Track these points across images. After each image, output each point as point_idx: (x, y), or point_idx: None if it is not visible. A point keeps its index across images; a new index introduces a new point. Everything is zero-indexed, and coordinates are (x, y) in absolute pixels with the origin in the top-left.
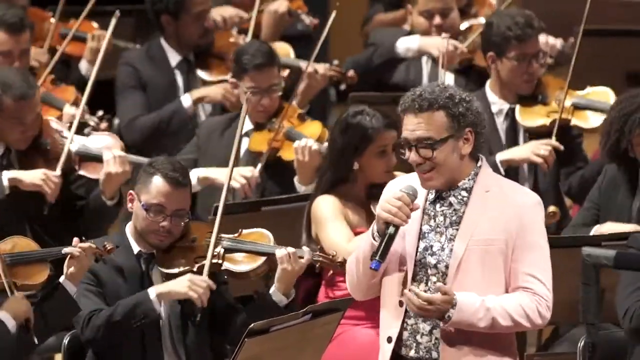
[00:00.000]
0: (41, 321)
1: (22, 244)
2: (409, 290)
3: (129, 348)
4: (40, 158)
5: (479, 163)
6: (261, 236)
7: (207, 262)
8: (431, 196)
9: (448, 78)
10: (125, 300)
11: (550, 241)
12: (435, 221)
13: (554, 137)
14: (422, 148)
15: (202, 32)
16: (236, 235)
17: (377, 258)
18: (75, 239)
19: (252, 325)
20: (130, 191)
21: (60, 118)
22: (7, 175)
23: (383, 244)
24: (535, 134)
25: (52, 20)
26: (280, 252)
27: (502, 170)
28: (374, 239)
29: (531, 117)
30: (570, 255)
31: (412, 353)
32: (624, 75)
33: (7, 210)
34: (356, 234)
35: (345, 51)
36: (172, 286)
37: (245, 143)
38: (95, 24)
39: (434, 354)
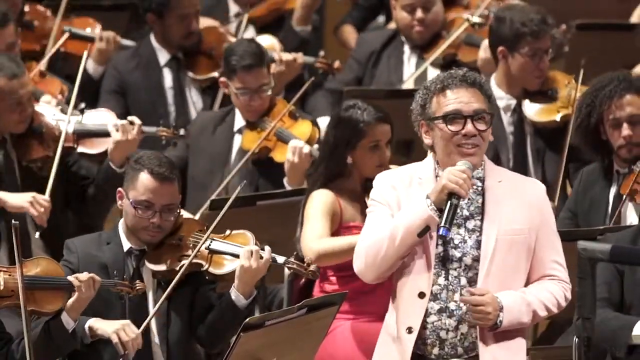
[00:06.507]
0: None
1: (50, 267)
2: (467, 292)
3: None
4: (37, 142)
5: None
6: (242, 238)
7: (187, 261)
8: None
9: (432, 74)
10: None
11: None
12: None
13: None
14: (479, 120)
15: (185, 34)
16: (223, 236)
17: (446, 225)
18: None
19: (248, 319)
20: (119, 189)
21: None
22: None
23: (452, 212)
24: (544, 130)
25: (50, 16)
26: (242, 250)
27: None
28: (430, 211)
29: (541, 113)
30: (566, 250)
31: (435, 351)
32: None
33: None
34: (350, 227)
35: (339, 49)
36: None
37: (237, 140)
38: (91, 20)
39: (460, 350)
